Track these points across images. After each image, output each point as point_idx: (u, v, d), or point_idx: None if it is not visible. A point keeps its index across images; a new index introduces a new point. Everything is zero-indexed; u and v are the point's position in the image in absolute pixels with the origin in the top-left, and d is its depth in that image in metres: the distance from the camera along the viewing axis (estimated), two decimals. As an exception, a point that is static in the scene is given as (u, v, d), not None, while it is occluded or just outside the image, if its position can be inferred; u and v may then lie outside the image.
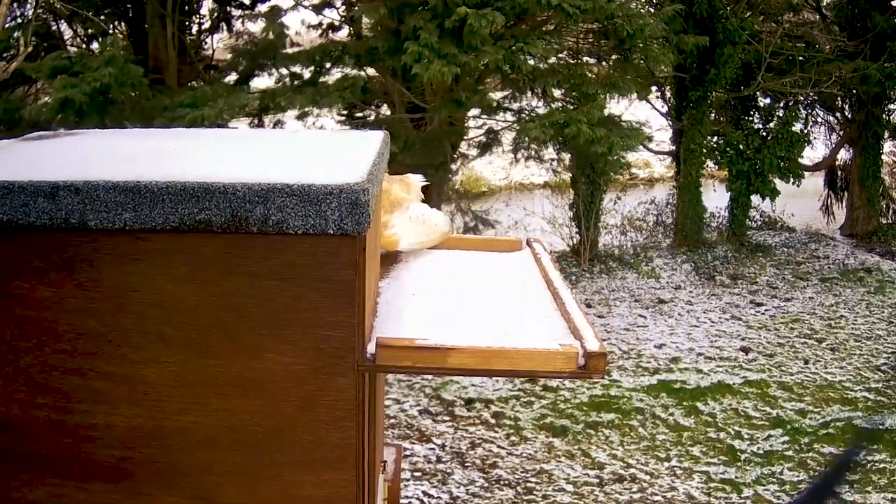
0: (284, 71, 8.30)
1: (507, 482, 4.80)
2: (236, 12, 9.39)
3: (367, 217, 1.25)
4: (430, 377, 5.98)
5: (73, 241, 1.26)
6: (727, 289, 8.93)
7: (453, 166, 8.79)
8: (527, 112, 8.65)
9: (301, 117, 8.11)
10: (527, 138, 8.13)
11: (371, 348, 1.35)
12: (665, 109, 11.03)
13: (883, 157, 12.18)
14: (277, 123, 8.49)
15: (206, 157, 1.62)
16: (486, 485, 4.76)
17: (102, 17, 8.61)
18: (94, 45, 8.73)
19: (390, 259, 1.96)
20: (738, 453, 5.23)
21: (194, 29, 9.36)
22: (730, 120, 11.02)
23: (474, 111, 8.70)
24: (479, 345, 1.37)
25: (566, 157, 9.63)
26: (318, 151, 1.77)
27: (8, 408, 1.30)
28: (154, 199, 1.24)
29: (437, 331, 1.43)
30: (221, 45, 9.55)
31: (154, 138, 1.99)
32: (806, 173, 11.31)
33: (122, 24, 8.99)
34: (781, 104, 11.18)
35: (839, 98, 11.92)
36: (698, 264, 9.62)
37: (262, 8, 8.75)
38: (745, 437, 5.47)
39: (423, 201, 2.04)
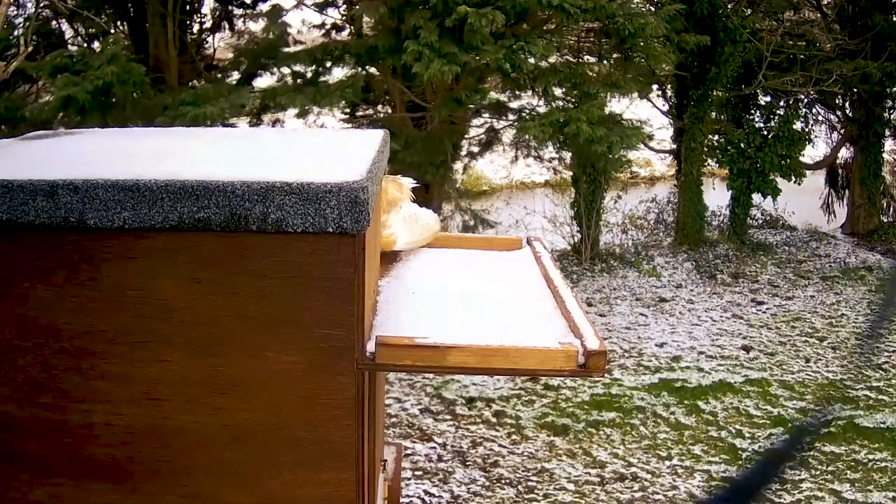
0: (286, 70, 8.30)
1: (508, 481, 4.80)
2: (238, 11, 9.39)
3: (366, 215, 1.25)
4: (431, 376, 5.97)
5: (73, 240, 1.26)
6: (728, 287, 8.92)
7: (454, 165, 8.79)
8: (527, 111, 8.64)
9: (301, 116, 8.12)
10: (527, 137, 8.13)
11: (371, 347, 1.35)
12: (666, 108, 11.02)
13: (884, 155, 12.17)
14: (276, 122, 8.49)
15: (206, 156, 1.62)
16: (488, 484, 4.76)
17: (104, 17, 8.61)
18: (96, 44, 8.72)
19: (390, 258, 1.96)
20: (740, 452, 5.22)
21: (195, 28, 9.36)
22: (731, 118, 11.00)
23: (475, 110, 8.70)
24: (479, 343, 1.37)
25: (567, 155, 9.63)
26: (318, 150, 1.77)
27: (8, 408, 1.30)
28: (153, 197, 1.24)
29: (437, 329, 1.43)
30: (223, 44, 9.55)
31: (153, 137, 1.99)
32: (807, 172, 11.29)
33: (123, 23, 8.99)
34: (782, 103, 11.17)
35: (840, 96, 11.91)
36: (699, 263, 9.61)
37: (264, 7, 8.75)
38: (747, 435, 5.46)
39: (414, 201, 2.05)
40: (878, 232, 11.71)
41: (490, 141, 9.31)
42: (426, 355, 1.36)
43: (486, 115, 9.03)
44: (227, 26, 9.45)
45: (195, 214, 1.24)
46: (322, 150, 1.78)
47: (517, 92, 8.65)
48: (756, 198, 10.99)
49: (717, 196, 11.19)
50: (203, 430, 1.31)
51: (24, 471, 1.32)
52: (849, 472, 4.98)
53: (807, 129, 11.32)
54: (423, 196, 8.38)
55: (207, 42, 9.50)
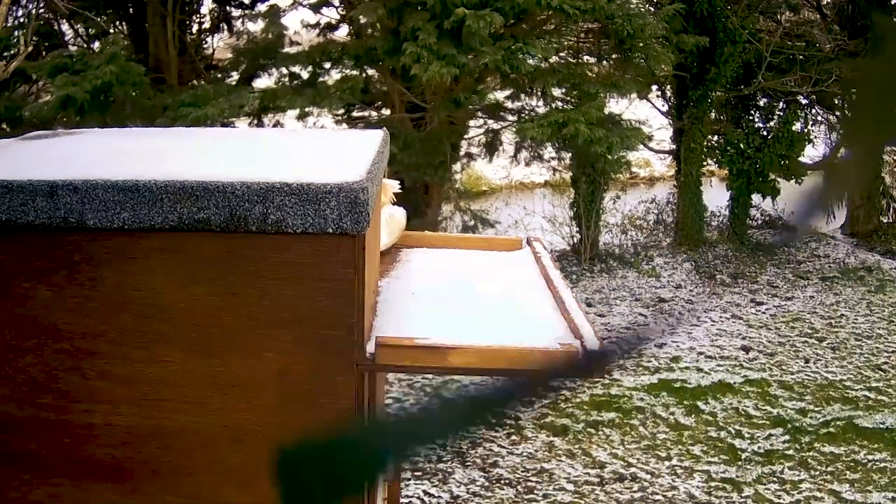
0: (284, 70, 8.30)
1: (507, 481, 4.80)
2: (236, 12, 9.39)
3: (366, 216, 1.25)
4: (430, 376, 5.97)
5: (73, 240, 1.26)
6: (728, 288, 8.92)
7: (454, 166, 8.79)
8: (527, 111, 8.64)
9: (301, 117, 8.11)
10: (526, 138, 8.13)
11: (371, 347, 1.35)
12: (665, 108, 11.02)
13: (883, 156, 12.16)
14: (276, 124, 8.49)
15: (205, 157, 1.62)
16: (487, 484, 4.76)
17: (103, 17, 8.61)
18: (95, 45, 8.73)
19: (390, 258, 1.96)
20: (739, 452, 5.23)
21: (195, 28, 9.36)
22: (730, 119, 11.00)
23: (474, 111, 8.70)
24: (479, 344, 1.37)
25: (566, 156, 9.63)
26: (318, 150, 1.77)
27: (8, 408, 1.30)
28: (153, 198, 1.24)
29: (437, 330, 1.43)
30: (222, 44, 9.56)
31: (153, 137, 1.99)
32: (807, 172, 11.29)
33: (123, 23, 9.00)
34: (782, 103, 11.17)
35: (839, 97, 11.91)
36: (699, 263, 9.62)
37: (262, 7, 8.75)
38: (746, 436, 5.46)
39: (395, 203, 2.07)
40: (877, 232, 11.71)
41: (489, 142, 9.31)
42: (426, 356, 1.36)
43: (486, 115, 9.03)
44: (225, 27, 9.45)
45: (195, 215, 1.24)
46: (322, 150, 1.78)
47: (516, 92, 8.65)
48: (755, 198, 11.00)
49: (716, 196, 11.19)
50: (203, 430, 1.31)
51: (24, 471, 1.32)
52: (848, 472, 4.98)
53: (806, 130, 11.32)
54: (423, 196, 8.41)
55: (207, 42, 9.51)
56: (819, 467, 5.04)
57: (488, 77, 8.21)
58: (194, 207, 1.24)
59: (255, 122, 8.22)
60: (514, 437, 5.33)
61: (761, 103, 11.13)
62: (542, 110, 8.34)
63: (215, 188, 1.24)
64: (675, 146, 10.88)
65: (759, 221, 11.70)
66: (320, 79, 8.06)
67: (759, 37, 10.17)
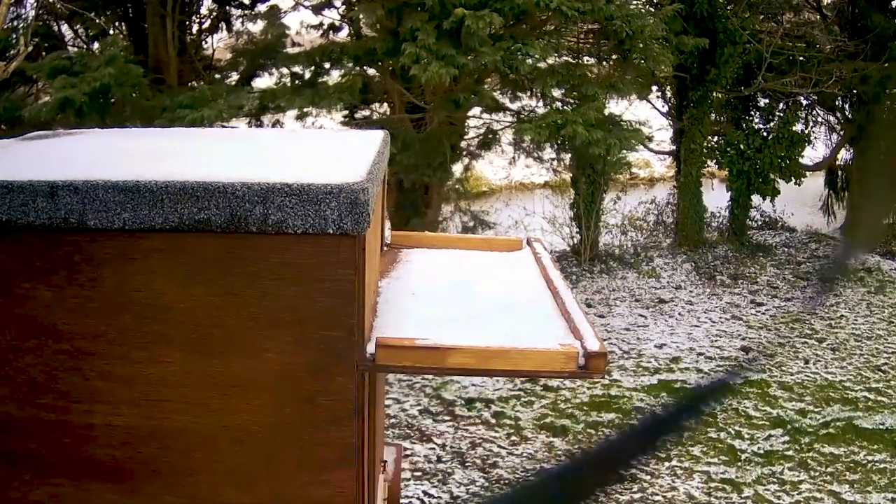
0: (284, 71, 8.29)
1: (507, 482, 4.79)
2: (236, 12, 9.39)
3: (366, 217, 1.25)
4: (430, 377, 5.97)
5: (73, 240, 1.26)
6: (728, 288, 8.92)
7: (453, 166, 8.78)
8: (526, 112, 8.64)
9: (300, 118, 8.11)
10: (525, 138, 8.13)
11: (371, 348, 1.35)
12: (665, 109, 11.01)
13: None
14: (276, 124, 8.48)
15: (206, 157, 1.62)
16: (487, 484, 4.76)
17: (103, 18, 8.61)
18: (95, 45, 8.72)
19: (390, 258, 1.96)
20: (739, 453, 5.22)
21: (194, 29, 9.36)
22: (730, 120, 11.00)
23: (474, 111, 8.69)
24: (478, 345, 1.37)
25: (566, 156, 9.62)
26: (318, 151, 1.77)
27: (8, 408, 1.30)
28: (153, 198, 1.24)
29: (437, 331, 1.43)
30: (221, 44, 9.55)
31: (153, 137, 1.99)
32: (806, 173, 11.29)
33: (122, 24, 8.99)
34: (782, 104, 11.17)
35: (839, 98, 11.91)
36: (699, 264, 9.61)
37: (262, 8, 8.74)
38: (746, 436, 5.46)
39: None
40: (877, 233, 11.69)
41: (489, 142, 9.30)
42: (426, 357, 1.36)
43: (485, 116, 9.02)
44: (225, 27, 9.45)
45: (195, 215, 1.24)
46: (322, 150, 1.78)
47: (516, 93, 8.65)
48: (755, 199, 11.00)
49: (716, 197, 11.19)
50: (203, 430, 1.31)
51: (24, 471, 1.32)
52: (848, 473, 4.98)
53: (806, 131, 11.32)
54: (423, 197, 8.41)
55: (206, 43, 9.51)
56: (819, 468, 5.04)
57: (487, 77, 8.20)
58: (195, 208, 1.24)
59: (255, 122, 8.21)
60: (513, 438, 5.33)
61: (761, 104, 11.13)
62: (541, 111, 8.33)
63: (216, 189, 1.24)
64: (675, 147, 10.88)
65: (759, 222, 11.70)
66: (320, 79, 8.05)
67: (759, 38, 10.17)
